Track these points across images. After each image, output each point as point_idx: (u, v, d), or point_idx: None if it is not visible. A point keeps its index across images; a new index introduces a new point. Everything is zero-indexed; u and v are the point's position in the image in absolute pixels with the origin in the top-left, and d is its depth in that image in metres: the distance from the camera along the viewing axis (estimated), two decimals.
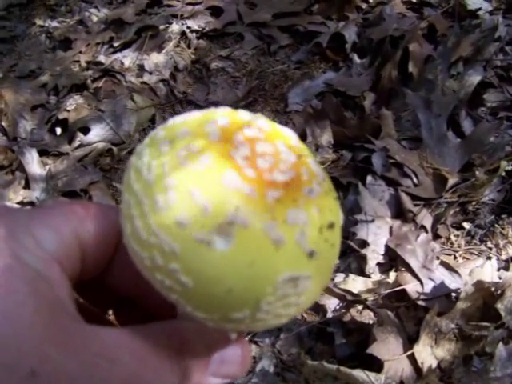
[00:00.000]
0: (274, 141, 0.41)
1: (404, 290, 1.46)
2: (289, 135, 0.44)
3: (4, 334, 0.32)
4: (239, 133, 0.40)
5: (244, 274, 0.36)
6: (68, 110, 2.13)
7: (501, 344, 1.29)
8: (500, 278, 1.44)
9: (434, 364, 1.35)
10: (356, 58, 2.12)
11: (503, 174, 1.65)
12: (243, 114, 0.43)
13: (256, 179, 0.37)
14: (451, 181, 1.67)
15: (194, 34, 2.34)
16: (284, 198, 0.37)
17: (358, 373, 1.23)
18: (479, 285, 1.36)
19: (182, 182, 0.36)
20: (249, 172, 0.37)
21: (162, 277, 0.37)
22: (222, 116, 0.41)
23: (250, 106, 2.11)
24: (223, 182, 0.36)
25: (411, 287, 1.46)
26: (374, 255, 1.55)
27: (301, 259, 0.37)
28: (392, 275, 1.50)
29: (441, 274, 1.48)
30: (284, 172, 0.39)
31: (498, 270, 1.50)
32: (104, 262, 0.44)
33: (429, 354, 1.35)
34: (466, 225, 1.64)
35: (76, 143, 2.04)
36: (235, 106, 2.11)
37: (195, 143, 0.38)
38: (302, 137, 1.89)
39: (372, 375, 1.23)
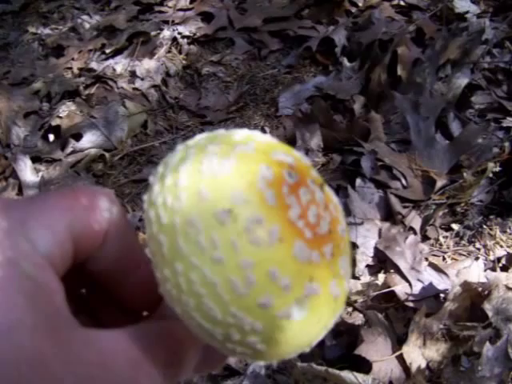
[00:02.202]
0: (306, 179, 0.39)
1: (393, 292, 1.48)
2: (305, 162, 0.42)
3: (3, 352, 0.31)
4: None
5: (314, 333, 0.38)
6: (60, 117, 2.14)
7: (488, 344, 1.30)
8: (487, 279, 1.45)
9: (423, 364, 1.36)
10: (346, 62, 2.14)
11: (491, 175, 1.67)
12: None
13: (313, 240, 0.36)
14: (440, 182, 1.69)
15: (185, 40, 2.36)
16: (334, 251, 0.37)
17: (346, 374, 1.24)
18: (466, 286, 1.38)
19: (258, 260, 0.34)
20: (308, 234, 0.36)
21: (233, 346, 0.36)
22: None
23: (241, 110, 2.13)
24: (295, 256, 0.35)
25: (400, 288, 1.48)
26: (364, 257, 1.56)
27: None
28: (381, 277, 1.52)
29: (429, 275, 1.50)
30: (325, 221, 0.38)
31: (486, 270, 1.52)
32: (92, 251, 0.42)
33: (417, 354, 1.37)
34: (455, 226, 1.66)
35: (69, 150, 2.05)
36: (226, 110, 2.13)
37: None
38: (292, 141, 1.91)
39: (360, 376, 1.25)
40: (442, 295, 1.47)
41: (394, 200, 1.66)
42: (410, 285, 1.49)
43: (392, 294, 1.48)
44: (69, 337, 0.34)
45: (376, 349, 1.36)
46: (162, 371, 0.39)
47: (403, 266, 1.51)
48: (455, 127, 1.82)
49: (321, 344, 1.44)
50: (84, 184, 1.94)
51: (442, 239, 1.63)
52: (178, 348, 0.41)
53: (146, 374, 0.37)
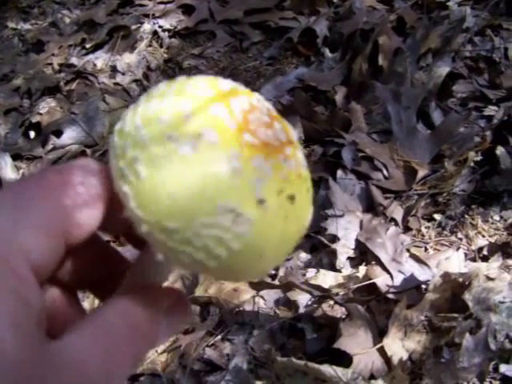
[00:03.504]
0: (274, 121, 0.42)
1: (374, 284, 1.47)
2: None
3: None
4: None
5: (191, 183, 0.36)
6: (41, 114, 2.12)
7: (468, 334, 1.30)
8: (468, 269, 1.45)
9: (405, 356, 1.36)
10: (327, 53, 2.12)
11: (472, 164, 1.66)
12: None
13: (242, 123, 0.38)
14: (421, 173, 1.68)
15: (166, 33, 2.34)
16: (258, 147, 0.38)
17: (326, 368, 1.24)
18: (446, 276, 1.37)
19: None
20: (238, 115, 0.39)
21: (123, 164, 0.37)
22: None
23: None
24: (212, 111, 0.38)
25: (381, 280, 1.47)
26: (345, 250, 1.55)
27: (249, 199, 0.37)
28: (362, 269, 1.51)
29: (410, 267, 1.49)
30: (271, 135, 0.40)
31: (467, 260, 1.51)
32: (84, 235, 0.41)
33: (398, 346, 1.36)
34: (437, 216, 1.65)
35: (49, 146, 2.03)
36: None
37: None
38: None
39: (339, 370, 1.24)
40: (423, 286, 1.46)
41: (375, 191, 1.65)
42: (392, 276, 1.48)
43: (373, 287, 1.47)
44: (42, 358, 0.33)
45: (356, 342, 1.35)
46: (131, 355, 0.38)
47: (384, 257, 1.50)
48: (437, 116, 1.81)
49: (301, 338, 1.44)
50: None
51: (423, 230, 1.62)
52: (139, 328, 0.40)
53: (118, 363, 0.37)
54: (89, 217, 0.39)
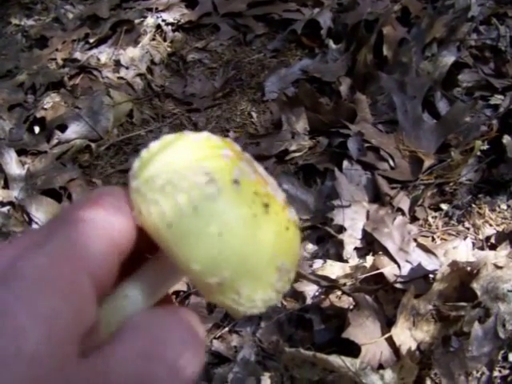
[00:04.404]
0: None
1: (382, 274, 1.46)
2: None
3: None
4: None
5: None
6: (45, 109, 2.12)
7: (476, 323, 1.29)
8: (476, 258, 1.44)
9: (413, 346, 1.35)
10: (331, 44, 2.11)
11: (478, 153, 1.65)
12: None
13: (234, 157, 0.41)
14: (427, 162, 1.67)
15: (170, 27, 2.33)
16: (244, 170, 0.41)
17: (334, 358, 1.23)
18: (454, 265, 1.36)
19: None
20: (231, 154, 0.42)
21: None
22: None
23: (228, 96, 2.11)
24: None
25: (388, 270, 1.46)
26: (351, 240, 1.55)
27: (226, 179, 0.39)
28: (369, 259, 1.50)
29: (418, 256, 1.48)
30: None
31: (474, 249, 1.50)
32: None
33: (407, 336, 1.36)
34: (444, 206, 1.64)
35: (54, 141, 2.03)
36: (213, 97, 2.11)
37: None
38: (278, 125, 1.89)
39: (348, 360, 1.23)
40: (431, 276, 1.45)
41: (381, 181, 1.64)
42: (399, 266, 1.47)
43: (381, 276, 1.47)
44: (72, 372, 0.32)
45: (364, 332, 1.35)
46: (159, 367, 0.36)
47: (391, 247, 1.49)
48: (442, 106, 1.81)
49: (309, 328, 1.43)
50: (71, 175, 1.92)
51: (430, 219, 1.62)
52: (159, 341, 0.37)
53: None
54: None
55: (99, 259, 0.35)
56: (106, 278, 0.36)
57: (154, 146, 0.42)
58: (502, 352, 1.31)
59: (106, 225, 0.37)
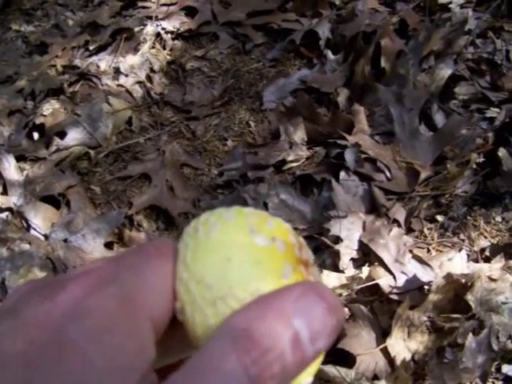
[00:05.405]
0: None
1: (377, 285, 1.48)
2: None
3: None
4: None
5: None
6: (45, 115, 2.13)
7: (470, 335, 1.31)
8: (470, 270, 1.45)
9: (408, 357, 1.37)
10: (330, 55, 2.13)
11: (474, 166, 1.67)
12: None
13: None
14: (424, 174, 1.69)
15: (169, 35, 2.35)
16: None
17: (329, 368, 1.25)
18: (449, 277, 1.38)
19: None
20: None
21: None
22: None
23: (226, 105, 2.12)
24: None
25: (384, 281, 1.48)
26: (348, 251, 1.56)
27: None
28: (365, 270, 1.52)
29: (413, 268, 1.50)
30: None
31: (469, 261, 1.52)
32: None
33: (402, 347, 1.37)
34: (439, 217, 1.66)
35: (53, 148, 2.04)
36: (211, 105, 2.13)
37: None
38: (276, 134, 1.91)
39: (343, 370, 1.25)
40: (426, 287, 1.47)
41: (378, 192, 1.66)
42: (394, 277, 1.49)
43: (376, 287, 1.48)
44: None
45: (360, 342, 1.36)
46: None
47: (387, 258, 1.51)
48: (439, 118, 1.82)
49: None
50: (70, 182, 1.93)
51: (426, 231, 1.63)
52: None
53: None
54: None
55: (159, 306, 0.36)
56: (162, 326, 0.37)
57: (213, 221, 0.39)
58: (496, 364, 1.33)
59: (165, 277, 0.38)
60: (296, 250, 0.39)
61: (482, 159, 1.67)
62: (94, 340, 0.31)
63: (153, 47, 2.33)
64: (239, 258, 0.36)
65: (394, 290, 1.47)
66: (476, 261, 1.53)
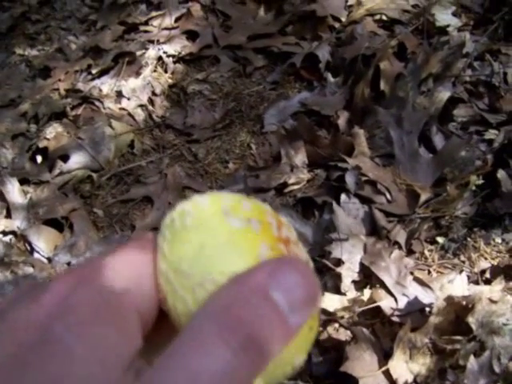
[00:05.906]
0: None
1: (379, 307, 1.49)
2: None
3: None
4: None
5: None
6: (48, 139, 2.15)
7: (472, 357, 1.31)
8: (471, 292, 1.46)
9: (410, 379, 1.37)
10: (330, 77, 2.16)
11: (473, 188, 1.68)
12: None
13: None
14: (424, 196, 1.70)
15: (171, 59, 2.38)
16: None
17: None
18: (450, 299, 1.39)
19: None
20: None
21: None
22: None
23: (227, 127, 2.14)
24: None
25: (385, 303, 1.49)
26: (349, 273, 1.57)
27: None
28: (367, 292, 1.53)
29: (414, 290, 1.51)
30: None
31: (470, 283, 1.53)
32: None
33: (404, 369, 1.38)
34: (440, 239, 1.67)
35: (56, 171, 2.06)
36: (213, 128, 2.15)
37: None
38: (277, 157, 1.92)
39: None
40: (427, 309, 1.48)
41: (378, 215, 1.67)
42: (396, 299, 1.50)
43: (378, 310, 1.49)
44: None
45: (362, 365, 1.37)
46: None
47: (388, 280, 1.52)
48: (438, 140, 1.84)
49: (308, 361, 1.45)
50: (73, 205, 1.95)
51: (427, 253, 1.65)
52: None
53: None
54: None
55: (145, 299, 0.38)
56: (149, 318, 0.38)
57: (188, 210, 0.40)
58: None
59: (149, 270, 0.39)
60: (273, 229, 0.39)
61: (481, 181, 1.69)
62: (76, 333, 0.32)
63: (154, 71, 2.36)
64: (213, 242, 0.37)
65: (396, 313, 1.47)
66: (476, 282, 1.54)
